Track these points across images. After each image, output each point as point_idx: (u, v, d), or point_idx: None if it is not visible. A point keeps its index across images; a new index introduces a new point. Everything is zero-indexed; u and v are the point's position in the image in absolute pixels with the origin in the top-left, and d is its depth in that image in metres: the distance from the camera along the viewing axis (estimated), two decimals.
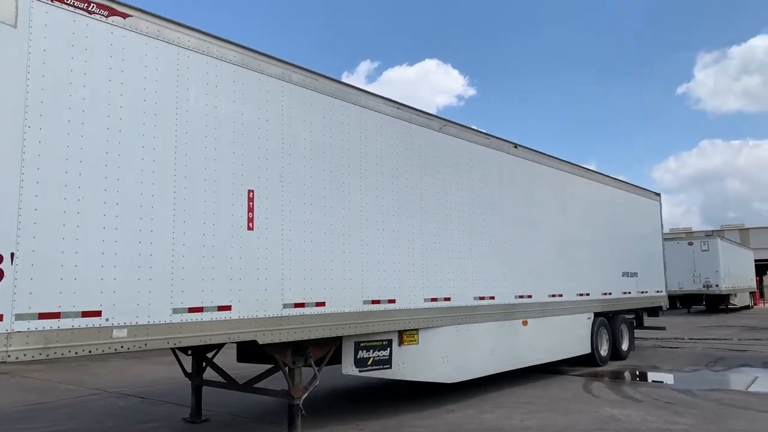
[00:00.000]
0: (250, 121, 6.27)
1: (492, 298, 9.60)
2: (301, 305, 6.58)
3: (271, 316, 6.26)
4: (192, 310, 5.59)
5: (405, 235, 8.08)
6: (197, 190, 5.72)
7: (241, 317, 5.98)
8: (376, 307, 7.50)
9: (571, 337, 11.67)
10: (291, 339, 6.46)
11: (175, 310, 5.46)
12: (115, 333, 5.02)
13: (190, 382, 8.09)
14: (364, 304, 7.34)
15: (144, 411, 8.78)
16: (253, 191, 6.21)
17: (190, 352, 8.05)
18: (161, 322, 5.34)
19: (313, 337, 6.68)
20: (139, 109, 5.37)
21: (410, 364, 8.08)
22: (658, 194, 16.80)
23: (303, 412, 6.83)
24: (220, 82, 6.04)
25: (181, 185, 5.59)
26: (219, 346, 7.49)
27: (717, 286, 32.72)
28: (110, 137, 5.12)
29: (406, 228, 8.12)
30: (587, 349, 12.29)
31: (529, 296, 10.51)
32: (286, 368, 6.87)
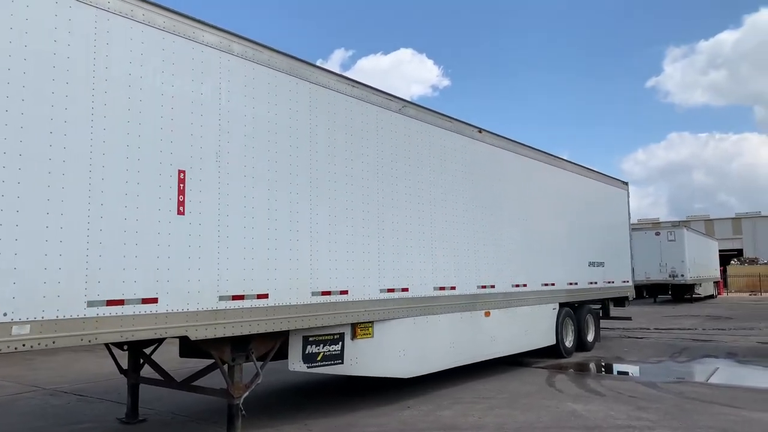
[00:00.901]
0: (181, 94, 5.67)
1: (453, 288, 9.17)
2: (240, 297, 6.03)
3: (205, 309, 5.70)
4: (111, 302, 5.00)
5: (360, 223, 7.57)
6: (117, 170, 5.11)
7: (170, 311, 5.41)
8: (326, 298, 7.00)
9: (535, 328, 11.34)
10: (229, 334, 5.92)
11: (91, 303, 4.86)
12: (15, 330, 4.41)
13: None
14: (312, 295, 6.83)
15: (78, 410, 8.16)
16: (184, 172, 5.63)
17: (126, 347, 7.46)
18: (73, 317, 4.74)
19: (254, 332, 6.14)
20: (47, 76, 4.73)
21: (364, 359, 7.61)
22: (626, 183, 16.60)
23: (243, 412, 6.30)
24: (146, 50, 5.42)
25: (97, 163, 4.98)
26: (156, 341, 6.92)
27: (683, 275, 33.01)
28: (10, 106, 4.49)
29: (361, 215, 7.61)
30: (552, 341, 11.99)
31: (492, 286, 10.12)
32: (225, 365, 6.34)
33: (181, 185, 5.59)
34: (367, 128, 7.87)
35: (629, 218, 16.59)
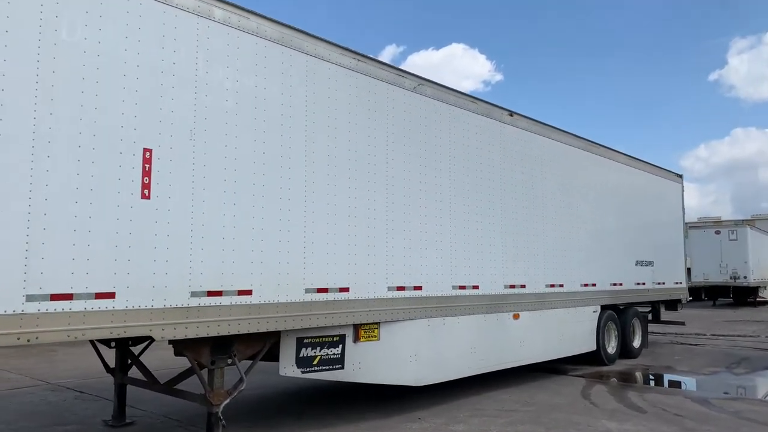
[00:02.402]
0: (149, 62, 5.02)
1: (476, 287, 8.28)
2: (217, 294, 5.35)
3: (174, 306, 5.04)
4: (57, 297, 4.39)
5: (364, 212, 6.79)
6: (66, 147, 4.49)
7: (130, 307, 4.77)
8: (322, 296, 6.26)
9: (572, 332, 10.31)
10: (203, 335, 5.25)
11: (31, 298, 4.26)
12: None
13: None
14: (306, 293, 6.10)
15: (70, 409, 7.71)
16: (150, 150, 4.98)
17: (113, 344, 6.94)
18: (8, 313, 4.15)
19: (233, 332, 5.46)
20: None
21: (368, 364, 6.84)
22: (680, 176, 15.22)
23: (223, 422, 5.62)
24: (105, 11, 4.78)
25: (42, 140, 4.37)
26: (147, 338, 6.33)
27: (745, 277, 30.79)
28: None
29: (366, 202, 6.83)
30: (592, 346, 10.92)
31: (523, 286, 9.17)
32: (204, 369, 5.69)
33: (147, 165, 4.94)
34: (376, 107, 7.07)
35: (683, 214, 15.23)
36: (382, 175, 7.06)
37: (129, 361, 6.88)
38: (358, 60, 6.89)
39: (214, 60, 5.48)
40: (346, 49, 6.76)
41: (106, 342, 6.63)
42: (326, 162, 6.42)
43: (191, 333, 5.16)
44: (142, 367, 6.61)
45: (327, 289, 6.32)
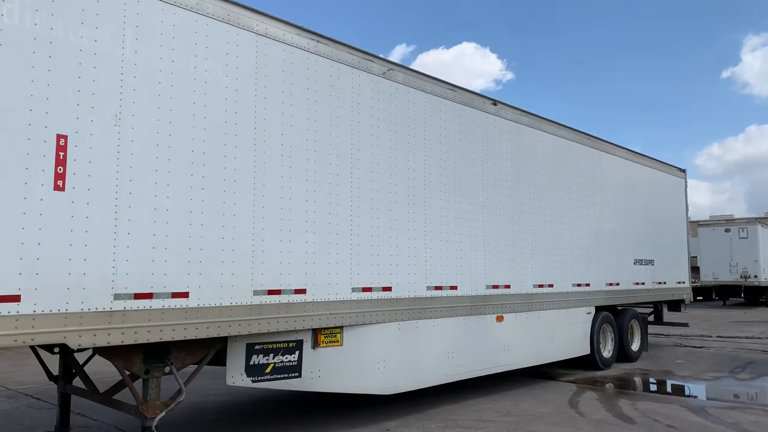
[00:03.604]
0: (65, 39, 4.50)
1: (454, 287, 7.72)
2: (147, 296, 4.83)
3: (94, 310, 4.53)
4: None
5: (324, 207, 6.26)
6: None
7: (39, 311, 4.26)
8: (274, 299, 5.73)
9: (563, 335, 9.71)
10: (130, 341, 4.73)
11: None
12: None
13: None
14: (255, 295, 5.57)
15: (19, 418, 7.24)
16: (66, 137, 4.46)
17: (57, 349, 6.43)
18: None
19: (167, 339, 4.94)
20: None
21: (329, 372, 6.30)
22: (683, 170, 14.56)
23: None
24: None
25: None
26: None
27: (756, 276, 29.90)
28: None
29: (327, 196, 6.30)
30: (585, 350, 10.32)
31: (507, 286, 8.60)
32: (138, 379, 5.18)
33: (61, 154, 4.43)
34: (339, 94, 6.53)
35: (687, 210, 14.55)
36: (346, 167, 6.52)
37: (74, 369, 6.38)
38: (318, 41, 6.35)
39: (145, 38, 4.96)
40: (303, 28, 6.22)
41: (49, 348, 6.15)
42: (279, 152, 5.88)
43: (115, 340, 4.64)
44: (84, 375, 6.10)
45: (280, 290, 5.78)
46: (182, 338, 5.04)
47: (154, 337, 4.84)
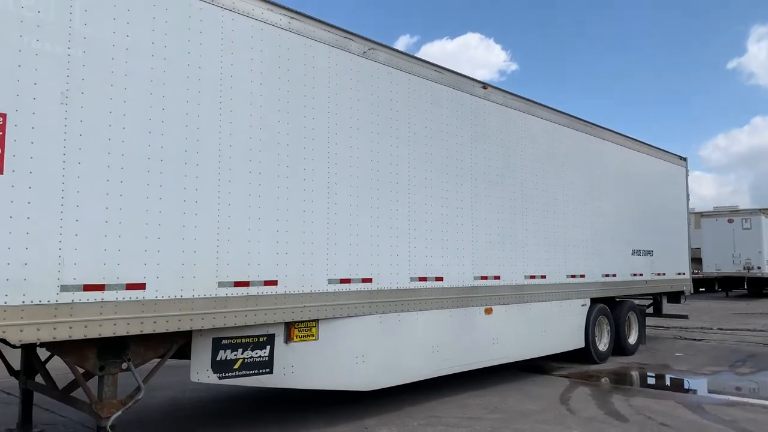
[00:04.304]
0: (0, 8, 4.15)
1: (439, 279, 7.38)
2: (98, 288, 4.50)
3: (38, 303, 4.20)
4: None
5: (298, 194, 5.91)
6: None
7: None
8: (242, 291, 5.39)
9: (556, 328, 9.37)
10: (79, 336, 4.40)
11: None
12: None
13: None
14: (220, 287, 5.23)
15: None
16: (4, 116, 4.12)
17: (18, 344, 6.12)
18: None
19: (121, 333, 4.61)
20: None
21: (304, 368, 5.97)
22: (684, 159, 14.15)
23: None
24: None
25: None
26: None
27: (759, 268, 29.48)
28: None
29: (302, 183, 5.95)
30: (580, 343, 9.98)
31: (497, 277, 8.25)
32: (93, 376, 4.87)
33: (0, 134, 4.09)
34: (315, 73, 6.17)
35: (688, 200, 14.16)
36: (322, 151, 6.17)
37: (35, 364, 6.07)
38: (291, 18, 5.98)
39: (96, 10, 4.60)
40: (275, 3, 5.85)
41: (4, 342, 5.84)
42: (248, 135, 5.53)
43: (62, 335, 4.31)
44: (44, 371, 5.79)
45: (248, 282, 5.45)
46: (138, 333, 4.71)
47: (106, 332, 4.52)
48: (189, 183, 5.05)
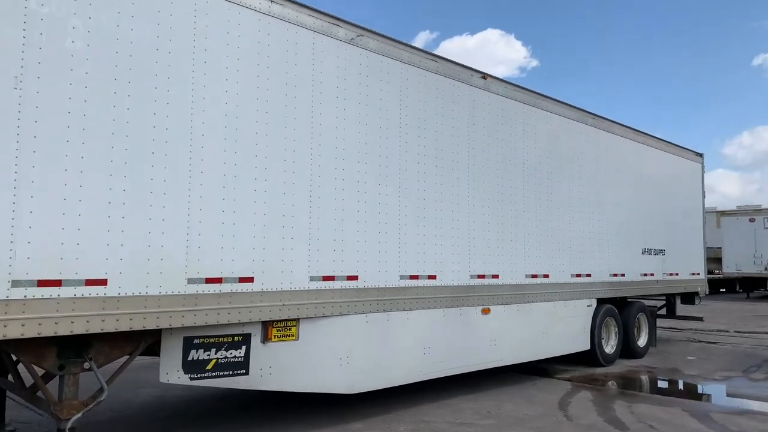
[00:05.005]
0: None
1: (432, 277, 7.07)
2: (55, 283, 4.26)
3: None
4: None
5: (278, 186, 5.63)
6: None
7: None
8: (214, 288, 5.13)
9: (559, 330, 9.00)
10: (32, 334, 4.17)
11: None
12: None
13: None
14: (189, 284, 4.97)
15: None
16: None
17: None
18: None
19: (80, 331, 4.37)
20: None
21: (282, 369, 5.70)
22: (701, 155, 13.62)
23: None
24: None
25: None
26: None
27: None
28: None
29: (282, 175, 5.67)
30: (585, 345, 9.60)
31: (495, 276, 7.91)
32: (53, 376, 4.64)
33: None
34: (297, 60, 5.88)
35: (703, 197, 13.64)
36: (304, 141, 5.88)
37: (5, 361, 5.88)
38: (272, 1, 5.69)
39: None
40: None
41: None
42: (223, 124, 5.27)
43: (13, 332, 4.08)
44: (14, 369, 5.58)
45: (221, 279, 5.19)
46: (99, 331, 4.47)
47: (63, 330, 4.28)
48: (156, 174, 4.80)
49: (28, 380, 5.00)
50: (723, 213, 31.93)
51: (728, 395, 8.25)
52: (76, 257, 4.35)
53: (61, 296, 4.28)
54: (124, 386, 7.89)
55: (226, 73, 5.31)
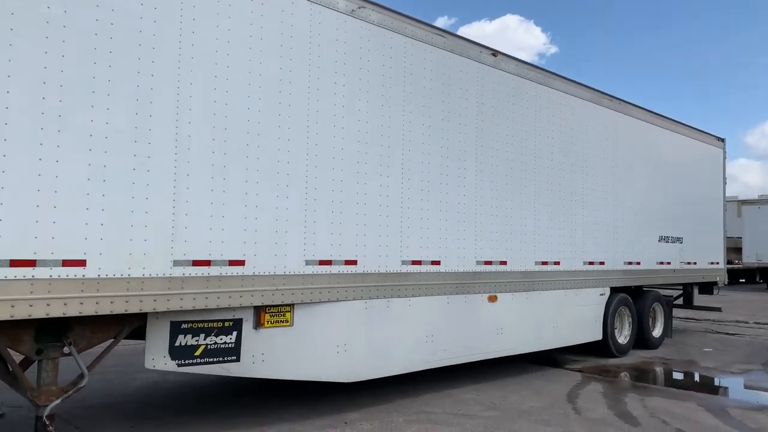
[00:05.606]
0: None
1: (436, 262, 6.78)
2: (28, 263, 4.04)
3: None
4: None
5: (271, 165, 5.36)
6: None
7: None
8: (202, 271, 4.89)
9: (570, 319, 8.67)
10: (5, 317, 3.96)
11: None
12: None
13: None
14: (176, 266, 4.74)
15: None
16: None
17: None
18: None
19: (55, 314, 4.14)
20: None
21: (275, 356, 5.46)
22: (722, 140, 13.12)
23: (51, 428, 4.37)
24: None
25: None
26: None
27: None
28: None
29: (276, 153, 5.40)
30: (597, 335, 9.26)
31: (503, 262, 7.60)
32: (31, 361, 4.45)
33: None
34: (293, 32, 5.57)
35: (725, 184, 13.15)
36: (301, 120, 5.59)
37: None
38: None
39: None
40: None
41: None
42: (210, 98, 4.99)
43: None
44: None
45: (209, 261, 4.94)
46: (78, 314, 4.25)
47: (38, 313, 4.07)
48: (140, 150, 4.55)
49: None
50: (744, 202, 31.21)
51: (746, 389, 7.89)
52: (52, 236, 4.13)
53: (35, 277, 4.05)
54: (123, 371, 7.74)
55: (216, 45, 5.03)
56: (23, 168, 4.01)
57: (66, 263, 4.19)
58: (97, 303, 4.32)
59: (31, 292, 4.04)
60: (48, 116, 4.13)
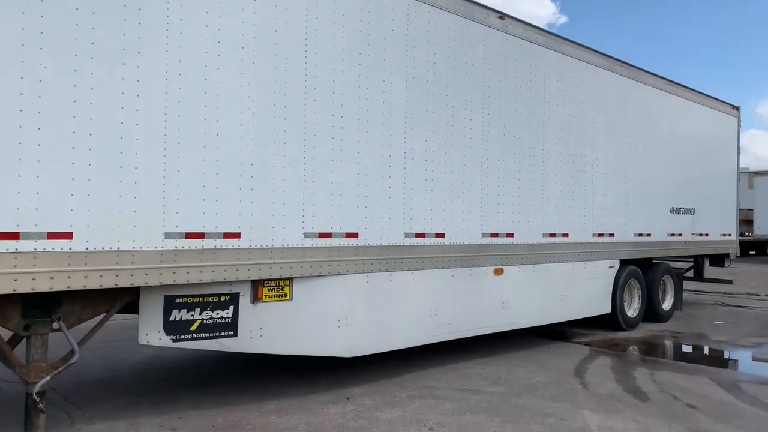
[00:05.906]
0: None
1: (440, 235, 6.57)
2: (12, 236, 3.87)
3: None
4: None
5: (268, 134, 5.14)
6: None
7: None
8: (195, 243, 4.71)
9: (579, 292, 8.49)
10: None
11: None
12: None
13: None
14: (167, 238, 4.56)
15: None
16: None
17: None
18: None
19: (41, 289, 3.98)
20: None
21: (274, 331, 5.31)
22: (737, 108, 12.72)
23: (41, 404, 4.25)
24: None
25: None
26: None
27: None
28: None
29: (270, 116, 5.17)
30: (606, 308, 9.08)
31: (510, 234, 7.38)
32: (20, 337, 4.31)
33: None
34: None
35: (738, 154, 12.79)
36: (298, 86, 5.34)
37: None
38: None
39: None
40: None
41: None
42: (204, 61, 4.75)
43: None
44: None
45: (203, 234, 4.76)
46: (65, 288, 4.09)
47: (23, 287, 3.91)
48: (127, 117, 4.33)
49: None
50: (756, 173, 30.69)
51: (758, 362, 7.71)
52: (36, 207, 3.94)
53: (18, 250, 3.88)
54: (122, 345, 7.65)
55: (206, 6, 4.77)
56: (3, 137, 3.81)
57: (51, 236, 4.01)
58: (85, 277, 4.15)
59: (15, 267, 3.87)
60: (27, 80, 3.91)
